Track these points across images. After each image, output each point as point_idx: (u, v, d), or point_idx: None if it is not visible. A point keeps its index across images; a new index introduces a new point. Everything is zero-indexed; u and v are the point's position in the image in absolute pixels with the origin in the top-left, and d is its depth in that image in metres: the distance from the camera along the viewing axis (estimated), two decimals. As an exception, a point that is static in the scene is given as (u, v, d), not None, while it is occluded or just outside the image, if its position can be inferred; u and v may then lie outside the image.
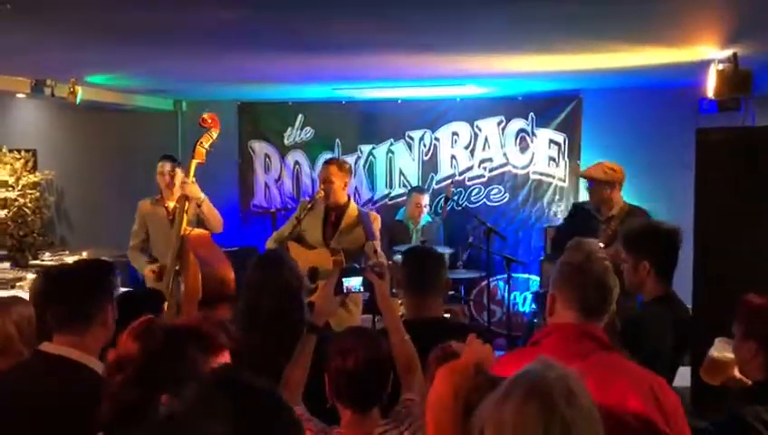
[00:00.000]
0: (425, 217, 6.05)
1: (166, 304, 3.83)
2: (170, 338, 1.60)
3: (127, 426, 1.56)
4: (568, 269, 1.92)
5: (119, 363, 1.61)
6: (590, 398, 1.26)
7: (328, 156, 6.79)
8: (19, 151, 7.51)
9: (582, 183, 6.38)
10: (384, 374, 2.08)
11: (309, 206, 4.33)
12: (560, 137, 6.57)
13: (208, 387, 1.10)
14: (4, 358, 2.24)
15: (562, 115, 6.54)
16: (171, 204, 4.60)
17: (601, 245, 4.15)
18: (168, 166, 4.67)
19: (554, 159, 6.60)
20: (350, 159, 6.93)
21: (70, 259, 5.96)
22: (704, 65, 4.21)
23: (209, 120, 4.34)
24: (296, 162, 7.19)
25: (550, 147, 6.60)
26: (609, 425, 1.65)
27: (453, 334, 2.36)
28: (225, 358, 1.63)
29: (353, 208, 4.41)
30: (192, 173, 4.30)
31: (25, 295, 2.91)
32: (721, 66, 4.04)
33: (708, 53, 4.04)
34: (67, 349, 1.97)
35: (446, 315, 4.12)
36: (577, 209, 4.85)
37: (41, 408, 1.87)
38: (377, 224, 4.37)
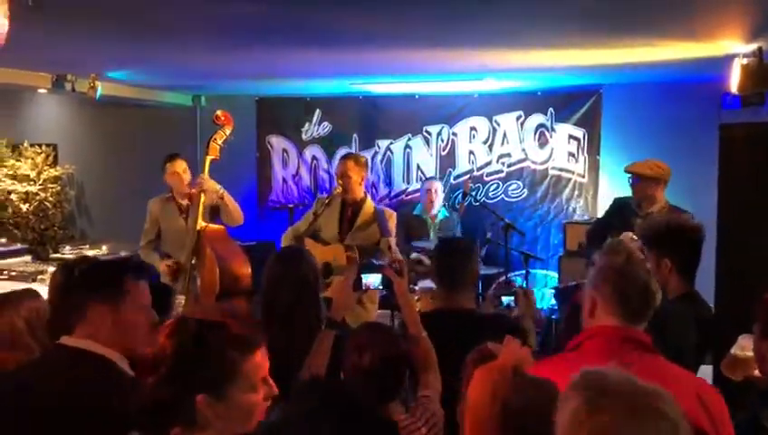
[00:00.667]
0: (442, 212, 6.03)
1: (183, 299, 3.86)
2: (204, 337, 1.59)
3: (159, 425, 1.56)
4: (610, 273, 1.88)
5: (154, 362, 1.61)
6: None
7: (345, 151, 6.78)
8: (40, 146, 7.59)
9: (605, 179, 6.33)
10: (399, 371, 2.07)
11: (326, 202, 4.34)
12: (579, 132, 6.51)
13: (311, 402, 1.08)
14: (13, 352, 2.25)
15: (582, 110, 6.47)
16: (182, 201, 4.61)
17: (634, 237, 4.10)
18: (183, 163, 4.66)
19: (573, 155, 6.54)
20: (368, 154, 6.93)
21: (90, 253, 6.02)
22: (727, 60, 4.14)
23: (222, 118, 4.38)
24: (314, 157, 7.19)
25: (569, 142, 6.54)
26: None
27: (483, 327, 2.36)
28: (262, 357, 1.61)
29: (369, 205, 4.41)
30: (207, 169, 4.32)
31: (46, 289, 2.92)
32: (745, 60, 3.97)
33: (732, 47, 3.98)
34: (86, 341, 1.96)
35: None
36: (618, 204, 4.79)
37: (60, 403, 1.87)
38: (392, 221, 4.36)
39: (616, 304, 1.84)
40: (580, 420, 1.18)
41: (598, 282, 1.89)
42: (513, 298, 3.09)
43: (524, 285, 3.12)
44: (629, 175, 4.35)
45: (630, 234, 4.14)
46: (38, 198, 7.34)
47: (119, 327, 1.98)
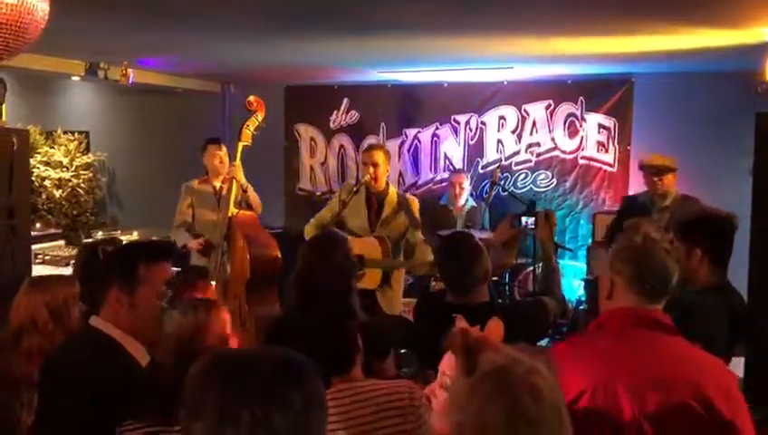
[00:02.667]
0: (469, 202, 6.01)
1: (213, 284, 3.91)
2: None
3: (159, 411, 1.66)
4: (628, 252, 1.89)
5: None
6: (558, 393, 1.26)
7: (373, 140, 6.79)
8: (73, 133, 7.71)
9: (635, 169, 6.25)
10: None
11: (354, 190, 4.32)
12: (610, 122, 6.43)
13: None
14: (32, 336, 2.31)
15: (613, 99, 6.39)
16: (218, 184, 4.66)
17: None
18: (223, 149, 4.72)
19: (604, 145, 6.47)
20: (395, 143, 6.94)
21: (122, 239, 6.11)
22: (763, 47, 4.06)
23: (254, 104, 4.40)
24: (341, 146, 7.21)
25: (599, 132, 6.47)
26: (676, 415, 1.63)
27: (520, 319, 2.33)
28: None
29: (393, 194, 4.41)
30: (239, 156, 4.36)
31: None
32: (782, 48, 3.90)
33: (767, 34, 3.90)
34: (107, 324, 2.01)
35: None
36: (629, 202, 4.77)
37: (73, 378, 1.93)
38: (415, 206, 4.35)
39: (634, 283, 1.86)
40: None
41: (616, 263, 1.91)
42: (533, 219, 3.01)
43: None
44: (648, 170, 4.32)
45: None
46: (71, 184, 7.47)
47: (134, 312, 2.03)
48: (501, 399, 1.21)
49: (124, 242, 4.33)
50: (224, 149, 4.69)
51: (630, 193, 6.12)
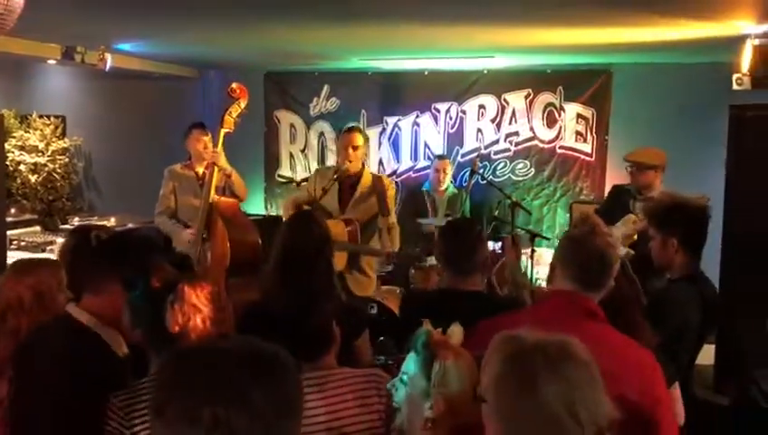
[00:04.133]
0: (450, 190, 6.04)
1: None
2: None
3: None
4: (569, 242, 1.98)
5: None
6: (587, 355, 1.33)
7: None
8: (49, 117, 7.60)
9: (613, 159, 6.32)
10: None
11: (335, 177, 4.29)
12: (588, 112, 6.49)
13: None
14: (19, 316, 2.29)
15: (592, 90, 6.44)
16: (200, 169, 4.63)
17: (637, 220, 4.11)
18: (208, 135, 4.68)
19: (582, 135, 6.53)
20: (376, 131, 6.94)
21: (111, 227, 6.05)
22: (738, 40, 4.12)
23: (237, 91, 4.37)
24: (321, 133, 7.19)
25: (578, 122, 6.53)
26: None
27: (491, 308, 2.37)
28: None
29: (367, 175, 4.41)
30: (221, 142, 4.33)
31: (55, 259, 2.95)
32: (757, 42, 3.96)
33: (744, 27, 3.96)
34: (87, 315, 1.98)
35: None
36: (617, 191, 4.82)
37: (50, 369, 1.91)
38: (391, 191, 4.34)
39: (572, 270, 1.92)
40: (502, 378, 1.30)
41: (559, 250, 2.01)
42: (500, 244, 3.05)
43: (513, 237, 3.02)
44: (629, 164, 4.35)
45: (633, 216, 4.18)
46: (46, 169, 7.37)
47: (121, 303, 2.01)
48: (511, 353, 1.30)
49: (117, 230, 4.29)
50: (209, 134, 4.65)
51: (608, 183, 6.20)
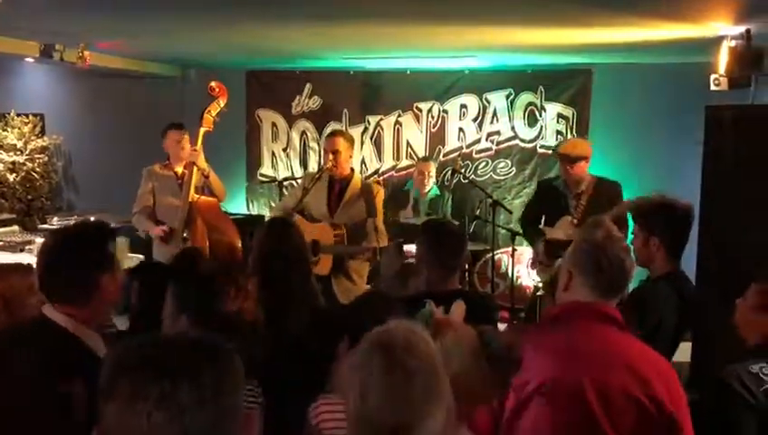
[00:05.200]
0: (433, 190, 6.06)
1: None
2: None
3: None
4: (588, 248, 1.92)
5: None
6: (430, 346, 1.38)
7: (335, 126, 6.79)
8: (27, 116, 7.52)
9: (593, 158, 6.34)
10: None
11: (317, 176, 4.34)
12: (569, 111, 6.54)
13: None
14: None
15: (572, 89, 6.50)
16: (179, 169, 4.60)
17: (574, 221, 4.23)
18: (186, 135, 4.64)
19: (562, 134, 6.57)
20: (358, 130, 6.93)
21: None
22: (715, 41, 4.17)
23: (217, 89, 4.35)
24: (303, 131, 7.18)
25: (558, 121, 6.57)
26: (628, 408, 1.71)
27: (475, 305, 2.41)
28: None
29: (357, 180, 4.44)
30: (200, 141, 4.32)
31: (33, 259, 2.91)
32: (733, 43, 4.00)
33: (720, 29, 4.00)
34: (64, 317, 1.93)
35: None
36: (543, 187, 4.90)
37: (28, 373, 1.85)
38: (380, 196, 4.37)
39: (592, 279, 1.89)
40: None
41: (576, 256, 1.94)
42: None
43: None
44: (562, 157, 4.44)
45: (569, 218, 4.27)
46: (25, 168, 7.29)
47: (101, 298, 1.97)
48: (378, 353, 1.33)
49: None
50: (186, 134, 4.62)
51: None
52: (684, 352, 2.94)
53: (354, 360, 1.37)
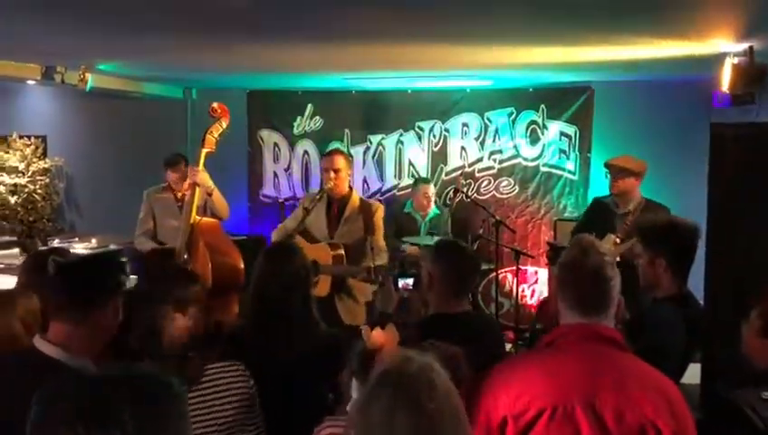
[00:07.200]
0: (434, 210, 6.03)
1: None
2: None
3: None
4: (563, 268, 1.92)
5: None
6: (448, 382, 1.31)
7: (337, 146, 6.78)
8: (29, 138, 7.53)
9: (596, 176, 6.34)
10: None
11: (317, 197, 4.31)
12: (571, 129, 6.53)
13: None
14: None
15: (574, 107, 6.49)
16: (180, 193, 4.61)
17: (618, 240, 4.16)
18: (181, 169, 4.66)
19: (565, 152, 6.56)
20: (360, 150, 6.93)
21: (79, 245, 5.97)
22: (718, 58, 4.16)
23: (219, 110, 4.34)
24: (305, 152, 7.17)
25: (560, 139, 6.56)
26: (629, 432, 1.66)
27: (484, 327, 2.37)
28: None
29: (355, 198, 4.42)
30: (202, 162, 4.30)
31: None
32: (736, 60, 3.99)
33: (723, 46, 3.99)
34: (57, 349, 1.88)
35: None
36: (595, 204, 4.85)
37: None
38: (379, 213, 4.35)
39: (573, 298, 1.86)
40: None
41: (557, 280, 1.93)
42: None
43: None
44: (606, 168, 4.43)
45: (613, 236, 4.21)
46: (27, 190, 7.28)
47: (100, 329, 1.94)
48: (403, 403, 1.24)
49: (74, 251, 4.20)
50: (180, 170, 4.64)
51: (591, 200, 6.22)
52: (693, 374, 2.89)
53: (365, 399, 1.29)
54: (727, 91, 4.17)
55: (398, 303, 3.14)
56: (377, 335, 1.72)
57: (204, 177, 4.27)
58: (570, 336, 1.86)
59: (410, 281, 4.22)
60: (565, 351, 1.84)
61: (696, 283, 3.11)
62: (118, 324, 2.00)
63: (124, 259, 2.23)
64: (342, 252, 4.19)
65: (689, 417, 1.79)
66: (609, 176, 4.44)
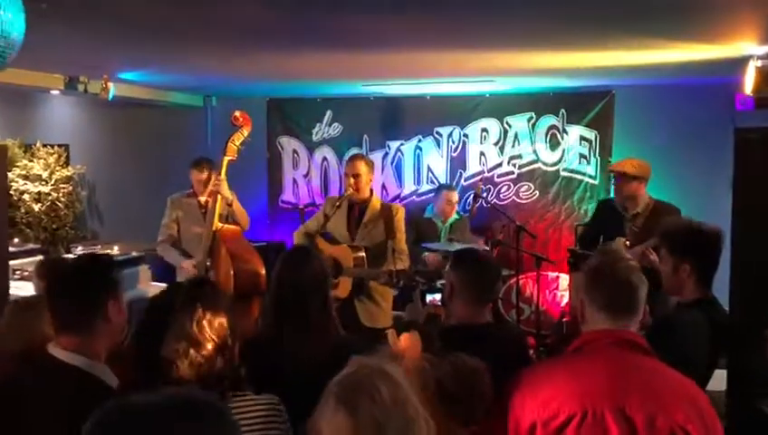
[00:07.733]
0: (454, 215, 6.01)
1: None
2: None
3: None
4: (593, 273, 1.93)
5: None
6: (403, 393, 1.27)
7: (356, 152, 6.79)
8: (52, 146, 7.63)
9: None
10: None
11: (337, 203, 4.35)
12: (591, 134, 6.49)
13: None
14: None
15: (594, 112, 6.45)
16: (203, 198, 4.63)
17: (627, 243, 4.13)
18: (205, 173, 4.68)
19: (585, 157, 6.52)
20: (378, 155, 6.94)
21: (101, 253, 6.03)
22: (741, 61, 4.12)
23: (241, 119, 4.37)
24: (324, 158, 7.20)
25: (581, 144, 6.52)
26: (662, 432, 1.65)
27: (508, 340, 2.36)
28: None
29: (376, 201, 4.45)
30: (224, 170, 4.33)
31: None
32: (760, 63, 3.95)
33: (746, 48, 3.95)
34: (72, 354, 1.88)
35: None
36: (602, 206, 4.84)
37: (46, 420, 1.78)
38: (399, 215, 4.37)
39: (601, 303, 1.88)
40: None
41: (584, 285, 1.95)
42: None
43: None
44: (613, 174, 4.42)
45: (623, 239, 4.18)
46: (50, 198, 7.38)
47: (112, 328, 1.94)
48: (342, 408, 1.23)
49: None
50: (205, 172, 4.66)
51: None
52: (718, 379, 2.86)
53: (323, 400, 1.28)
54: (751, 95, 4.13)
55: (426, 319, 3.12)
56: (404, 339, 1.71)
57: (225, 187, 4.31)
58: (598, 342, 1.86)
59: (438, 296, 4.22)
60: (593, 356, 1.84)
61: (720, 288, 3.07)
62: (125, 320, 2.00)
63: (111, 257, 2.20)
64: (363, 254, 4.21)
65: (718, 423, 1.78)
66: (613, 179, 4.45)
